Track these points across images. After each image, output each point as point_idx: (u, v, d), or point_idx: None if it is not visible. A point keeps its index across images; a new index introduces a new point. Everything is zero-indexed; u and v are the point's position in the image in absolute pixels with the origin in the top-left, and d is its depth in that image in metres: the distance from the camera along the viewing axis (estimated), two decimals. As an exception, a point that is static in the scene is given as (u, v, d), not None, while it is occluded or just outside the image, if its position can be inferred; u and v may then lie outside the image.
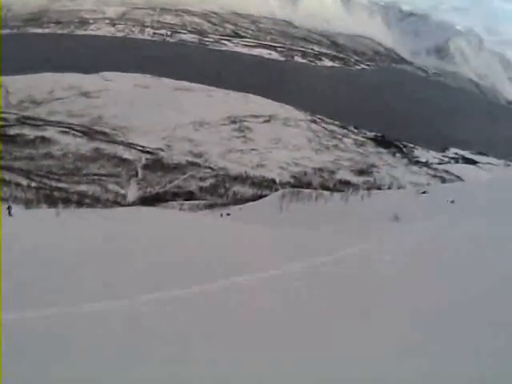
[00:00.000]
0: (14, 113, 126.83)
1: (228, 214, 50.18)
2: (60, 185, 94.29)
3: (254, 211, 50.06)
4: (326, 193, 53.38)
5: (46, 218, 30.02)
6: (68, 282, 9.94)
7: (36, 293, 8.79)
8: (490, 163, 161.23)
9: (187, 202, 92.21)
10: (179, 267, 12.09)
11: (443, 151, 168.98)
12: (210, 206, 78.90)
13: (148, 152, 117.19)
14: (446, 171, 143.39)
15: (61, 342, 6.62)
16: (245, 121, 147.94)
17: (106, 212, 42.32)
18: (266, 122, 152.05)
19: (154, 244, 16.48)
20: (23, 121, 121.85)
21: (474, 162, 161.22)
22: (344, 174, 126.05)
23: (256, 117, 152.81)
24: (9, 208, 31.33)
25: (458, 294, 10.08)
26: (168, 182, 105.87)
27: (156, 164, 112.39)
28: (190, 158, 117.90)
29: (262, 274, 11.38)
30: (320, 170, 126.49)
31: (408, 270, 13.16)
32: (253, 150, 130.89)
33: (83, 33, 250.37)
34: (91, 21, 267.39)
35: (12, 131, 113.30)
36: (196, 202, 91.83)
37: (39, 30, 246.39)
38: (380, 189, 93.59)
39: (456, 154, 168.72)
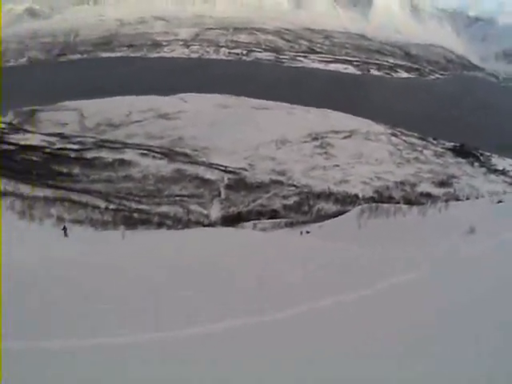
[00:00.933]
0: (91, 136, 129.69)
1: (308, 232, 49.12)
2: (140, 206, 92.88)
3: (334, 228, 49.20)
4: (404, 207, 51.11)
5: (112, 239, 29.99)
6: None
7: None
8: None
9: (269, 220, 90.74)
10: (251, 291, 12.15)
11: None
12: (291, 224, 77.85)
13: (231, 172, 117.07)
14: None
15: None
16: (326, 137, 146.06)
17: (182, 233, 42.47)
18: (347, 137, 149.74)
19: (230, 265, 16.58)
20: (101, 144, 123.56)
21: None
22: (425, 187, 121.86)
23: (337, 132, 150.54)
24: (64, 229, 30.32)
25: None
26: (251, 201, 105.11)
27: (239, 183, 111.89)
28: (274, 177, 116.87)
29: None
30: (402, 183, 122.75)
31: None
32: (335, 165, 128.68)
33: (157, 55, 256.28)
34: (164, 43, 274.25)
35: (89, 155, 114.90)
36: (278, 220, 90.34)
37: (112, 54, 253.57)
38: (458, 199, 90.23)
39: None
